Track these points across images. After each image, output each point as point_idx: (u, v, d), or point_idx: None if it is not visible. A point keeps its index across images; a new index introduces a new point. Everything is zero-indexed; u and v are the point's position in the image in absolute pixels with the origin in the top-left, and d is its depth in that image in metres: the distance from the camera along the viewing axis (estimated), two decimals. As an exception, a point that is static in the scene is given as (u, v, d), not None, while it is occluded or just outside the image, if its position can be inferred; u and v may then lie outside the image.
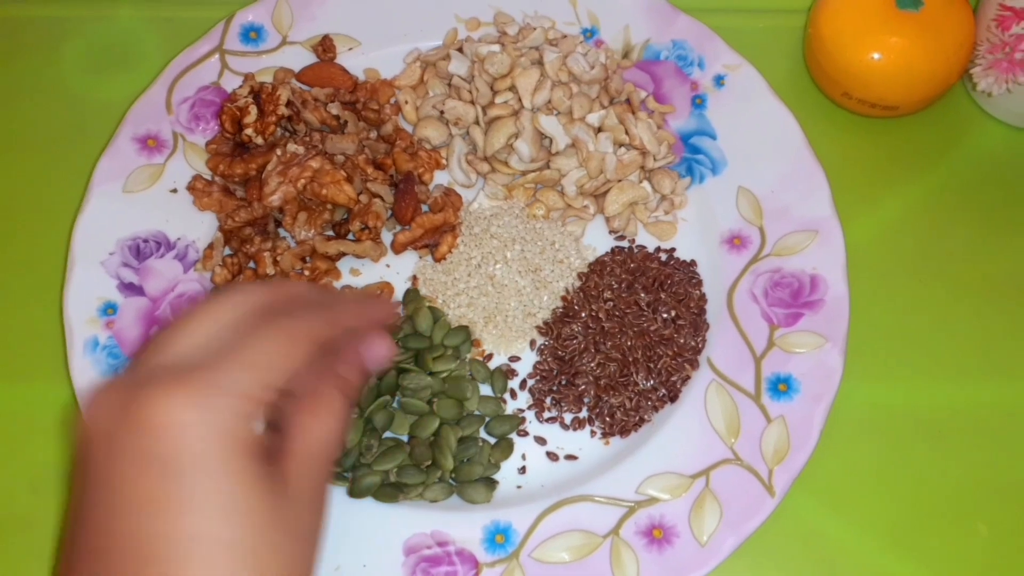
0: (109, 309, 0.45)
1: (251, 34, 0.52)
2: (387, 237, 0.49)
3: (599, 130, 0.50)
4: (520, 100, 0.49)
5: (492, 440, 0.44)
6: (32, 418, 0.45)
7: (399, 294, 0.48)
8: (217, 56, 0.51)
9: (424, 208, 0.49)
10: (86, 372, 0.44)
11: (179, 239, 0.47)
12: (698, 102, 0.51)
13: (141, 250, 0.47)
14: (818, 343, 0.44)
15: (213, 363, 0.27)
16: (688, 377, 0.45)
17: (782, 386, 0.44)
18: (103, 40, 0.54)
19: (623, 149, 0.50)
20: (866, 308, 0.47)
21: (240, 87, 0.49)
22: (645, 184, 0.49)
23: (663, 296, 0.46)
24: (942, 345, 0.47)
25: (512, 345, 0.47)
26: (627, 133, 0.50)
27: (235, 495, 0.26)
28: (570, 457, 0.44)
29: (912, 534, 0.43)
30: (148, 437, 0.25)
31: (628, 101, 0.51)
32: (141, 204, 0.48)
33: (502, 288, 0.47)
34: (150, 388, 0.26)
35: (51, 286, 0.47)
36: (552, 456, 0.44)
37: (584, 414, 0.45)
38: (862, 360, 0.46)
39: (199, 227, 0.48)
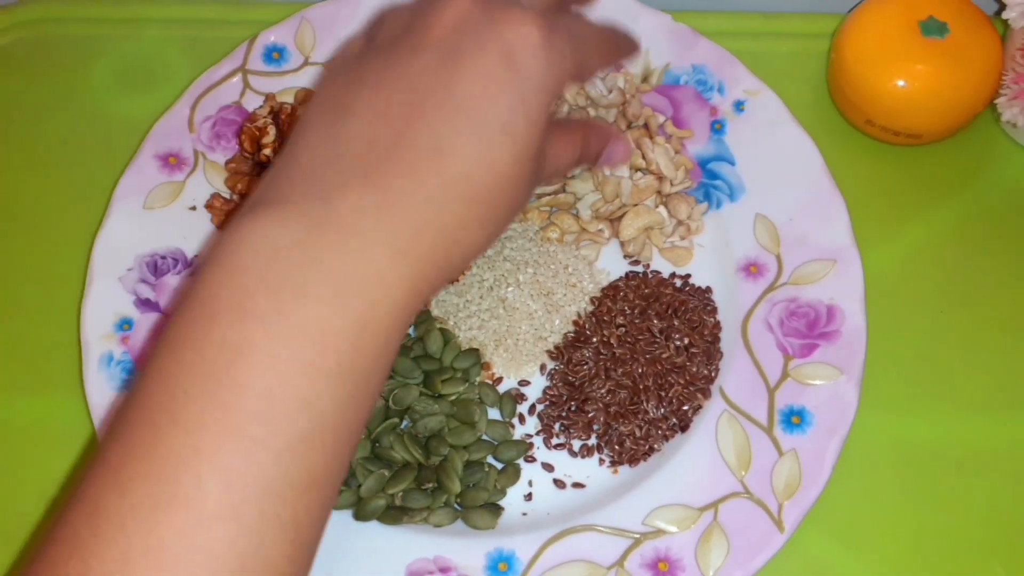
0: (125, 324, 0.46)
1: (274, 54, 0.53)
2: (401, 258, 0.49)
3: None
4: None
5: (499, 465, 0.44)
6: (46, 431, 0.45)
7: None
8: (240, 76, 0.52)
9: (438, 230, 0.49)
10: (100, 387, 0.44)
11: (196, 256, 0.48)
12: (717, 127, 0.51)
13: (159, 266, 0.48)
14: (833, 375, 0.43)
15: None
16: (700, 407, 0.44)
17: (795, 419, 0.43)
18: (130, 59, 0.55)
19: (639, 174, 0.49)
20: (884, 340, 0.46)
21: (260, 107, 0.50)
22: (661, 209, 0.49)
23: (677, 323, 0.46)
24: (962, 379, 0.46)
25: (522, 369, 0.46)
26: (644, 158, 0.49)
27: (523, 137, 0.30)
28: (577, 485, 0.44)
29: (925, 575, 0.41)
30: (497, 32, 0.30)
31: (646, 125, 0.51)
32: (161, 221, 0.49)
33: (513, 311, 0.47)
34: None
35: (69, 300, 0.48)
36: (559, 483, 0.44)
37: (593, 441, 0.45)
38: (879, 393, 0.45)
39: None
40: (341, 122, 0.29)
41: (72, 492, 0.26)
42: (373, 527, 0.42)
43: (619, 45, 0.37)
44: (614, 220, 0.49)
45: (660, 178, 0.49)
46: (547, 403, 0.45)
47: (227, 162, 0.50)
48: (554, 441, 0.45)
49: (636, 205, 0.49)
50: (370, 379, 0.27)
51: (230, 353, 0.25)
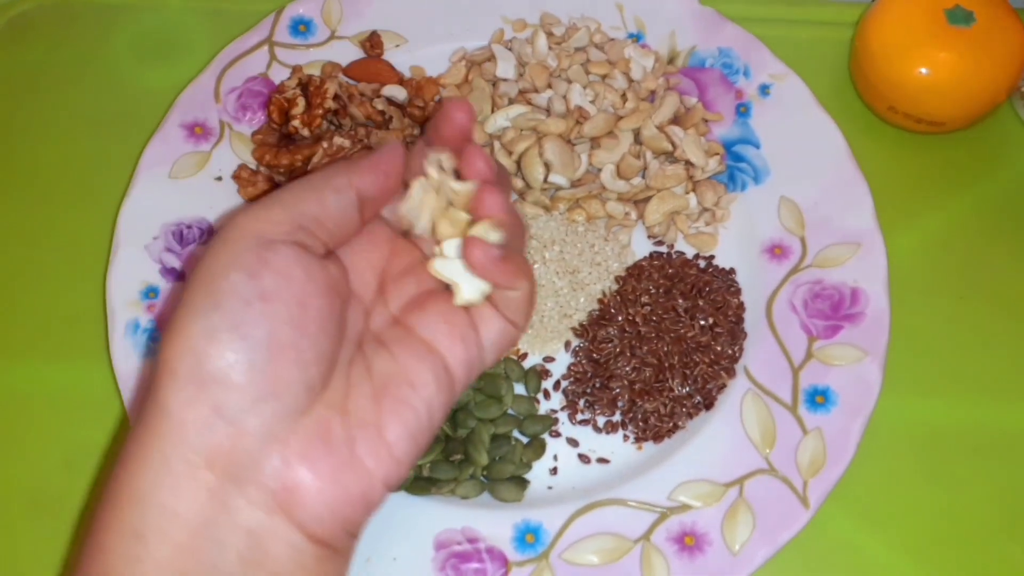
0: (151, 293, 0.46)
1: (300, 27, 0.53)
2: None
3: (637, 134, 0.50)
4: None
5: (524, 439, 0.44)
6: (70, 398, 0.45)
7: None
8: (266, 47, 0.52)
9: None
10: (126, 354, 0.44)
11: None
12: (742, 110, 0.51)
13: (184, 236, 0.47)
14: (857, 356, 0.44)
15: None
16: (724, 385, 0.45)
17: (819, 398, 0.43)
18: (153, 29, 0.55)
19: (663, 157, 0.50)
20: (906, 323, 0.46)
21: (288, 79, 0.50)
22: (691, 196, 0.49)
23: (701, 303, 0.46)
24: (982, 363, 0.46)
25: (547, 345, 0.47)
26: (671, 143, 0.49)
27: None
28: (602, 460, 0.44)
29: (946, 553, 0.42)
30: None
31: (677, 120, 0.51)
32: (186, 190, 0.48)
33: (539, 288, 0.47)
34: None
35: (95, 268, 0.47)
36: (584, 458, 0.44)
37: (617, 418, 0.45)
38: (901, 375, 0.45)
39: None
40: None
41: None
42: (401, 497, 0.42)
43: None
44: (639, 202, 0.50)
45: (690, 165, 0.49)
46: (572, 379, 0.46)
47: (254, 133, 0.50)
48: (579, 417, 0.45)
49: (662, 191, 0.49)
50: None
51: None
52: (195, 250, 0.47)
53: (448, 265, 0.33)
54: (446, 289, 0.33)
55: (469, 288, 0.32)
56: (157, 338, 0.45)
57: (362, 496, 0.29)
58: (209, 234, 0.48)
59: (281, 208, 0.30)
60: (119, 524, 0.27)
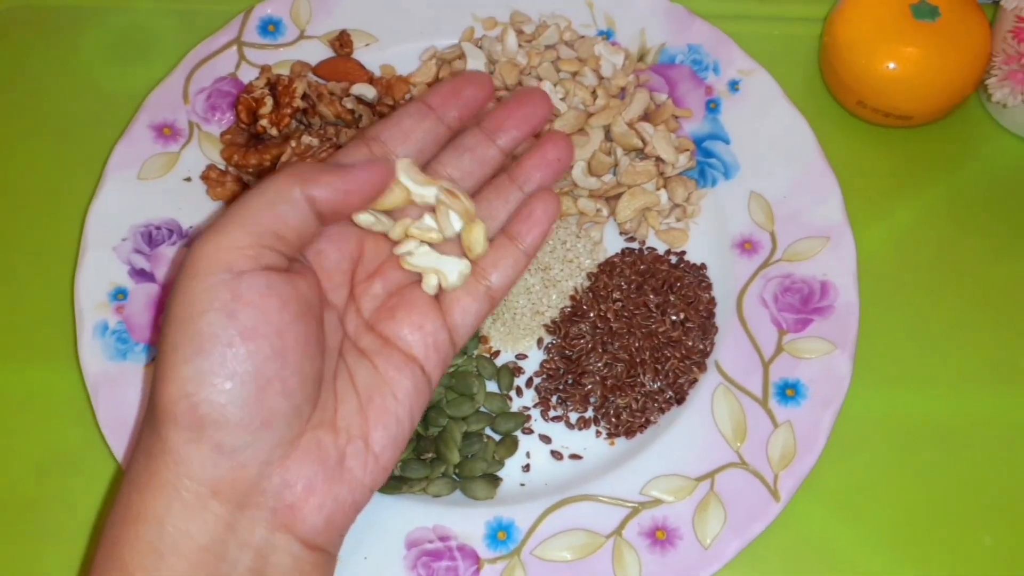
0: (119, 294, 0.45)
1: (269, 27, 0.52)
2: (398, 232, 0.49)
3: (608, 131, 0.50)
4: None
5: (497, 437, 0.44)
6: (40, 401, 0.45)
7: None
8: (235, 48, 0.52)
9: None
10: (95, 356, 0.44)
11: (191, 228, 0.48)
12: (712, 106, 0.51)
13: (153, 237, 0.47)
14: (827, 349, 0.44)
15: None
16: (695, 380, 0.45)
17: (790, 391, 0.44)
18: (122, 30, 0.55)
19: (634, 154, 0.50)
20: (876, 316, 0.47)
21: (257, 79, 0.50)
22: (662, 192, 0.49)
23: (672, 298, 0.46)
24: (951, 355, 0.47)
25: (519, 343, 0.47)
26: (641, 140, 0.49)
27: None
28: (574, 456, 0.44)
29: (916, 543, 0.42)
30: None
31: (646, 116, 0.51)
32: (155, 192, 0.48)
33: (511, 286, 0.47)
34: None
35: (63, 270, 0.47)
36: (556, 455, 0.44)
37: (590, 414, 0.45)
38: (871, 368, 0.45)
39: (212, 216, 0.48)
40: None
41: None
42: (373, 496, 0.42)
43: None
44: (611, 199, 0.50)
45: (660, 161, 0.49)
46: (544, 376, 0.46)
47: (222, 134, 0.50)
48: (551, 414, 0.45)
49: (632, 187, 0.49)
50: None
51: None
52: (165, 251, 0.47)
53: (424, 256, 0.33)
54: (414, 283, 0.34)
55: (452, 272, 0.33)
56: (126, 340, 0.44)
57: (353, 504, 0.31)
58: (179, 235, 0.47)
59: (241, 229, 0.30)
60: (137, 540, 0.29)
